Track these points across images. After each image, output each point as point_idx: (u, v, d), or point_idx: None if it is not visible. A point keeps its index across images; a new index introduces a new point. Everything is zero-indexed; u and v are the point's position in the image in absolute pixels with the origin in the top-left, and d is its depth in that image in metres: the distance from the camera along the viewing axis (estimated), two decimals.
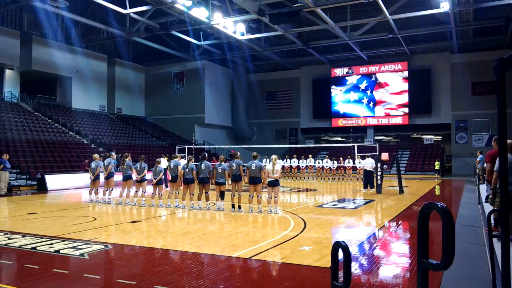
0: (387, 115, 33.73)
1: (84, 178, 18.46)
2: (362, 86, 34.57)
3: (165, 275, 5.09)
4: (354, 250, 6.52)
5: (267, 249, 6.42)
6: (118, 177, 16.41)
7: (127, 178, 12.46)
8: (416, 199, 14.16)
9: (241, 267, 5.59)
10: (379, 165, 16.12)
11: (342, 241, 2.54)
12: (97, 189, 13.00)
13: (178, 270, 5.30)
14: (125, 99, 35.02)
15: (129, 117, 34.67)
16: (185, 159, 18.15)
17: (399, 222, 9.60)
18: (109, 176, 12.75)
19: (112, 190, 12.83)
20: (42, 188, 17.89)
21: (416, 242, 2.16)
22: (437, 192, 18.45)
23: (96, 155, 13.40)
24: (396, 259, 6.06)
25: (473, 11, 24.84)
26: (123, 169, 12.56)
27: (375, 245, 7.03)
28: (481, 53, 30.38)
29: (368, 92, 34.35)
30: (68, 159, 21.62)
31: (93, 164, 12.94)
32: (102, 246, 6.66)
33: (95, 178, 12.88)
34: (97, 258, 5.99)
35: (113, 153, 14.06)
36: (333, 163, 23.65)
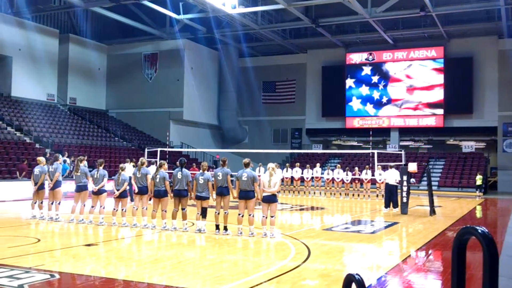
0: (417, 114, 33.92)
1: (26, 187, 18.32)
2: (386, 76, 34.75)
3: None
4: (371, 285, 6.54)
5: (260, 283, 6.41)
6: (69, 187, 16.31)
7: (81, 188, 12.40)
8: (451, 222, 14.24)
9: None
10: (405, 178, 16.17)
11: (356, 274, 2.56)
12: (41, 202, 12.92)
13: None
14: (81, 87, 34.87)
15: (86, 110, 34.53)
16: (155, 165, 18.11)
17: (429, 252, 9.64)
18: (55, 185, 12.66)
19: (59, 203, 12.75)
20: None
21: (450, 278, 2.18)
22: (478, 214, 18.54)
23: (41, 158, 13.31)
24: None
25: None
26: (76, 176, 12.50)
27: (398, 280, 7.05)
28: None
29: (393, 84, 34.52)
30: (5, 163, 21.47)
31: (36, 170, 12.84)
32: (47, 276, 6.61)
33: (39, 188, 12.78)
34: None
35: (61, 156, 14.00)
36: (347, 174, 23.72)
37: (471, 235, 2.00)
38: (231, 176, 10.93)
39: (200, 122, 36.66)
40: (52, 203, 12.72)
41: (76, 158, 13.51)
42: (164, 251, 8.87)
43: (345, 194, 23.98)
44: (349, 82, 35.69)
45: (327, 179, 24.17)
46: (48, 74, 31.91)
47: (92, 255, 8.43)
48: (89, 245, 9.39)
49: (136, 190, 11.85)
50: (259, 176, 11.59)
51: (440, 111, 33.32)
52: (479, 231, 1.96)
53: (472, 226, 2.00)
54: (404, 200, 16.12)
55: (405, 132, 35.02)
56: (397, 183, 16.70)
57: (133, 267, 7.47)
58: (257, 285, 6.34)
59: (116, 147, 30.61)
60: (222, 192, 10.66)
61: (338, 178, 23.81)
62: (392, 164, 17.95)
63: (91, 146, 28.62)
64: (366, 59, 35.32)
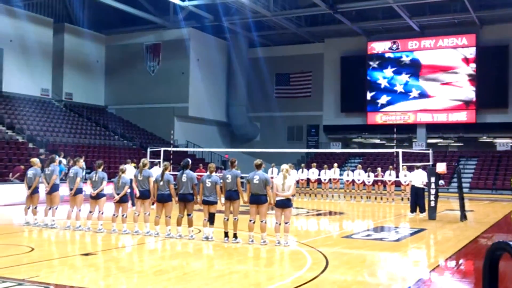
0: (446, 109, 33.69)
1: (18, 191, 18.48)
2: (411, 67, 34.54)
3: None
4: None
5: None
6: (66, 190, 16.41)
7: (77, 192, 12.47)
8: (484, 228, 14.14)
9: None
10: (432, 179, 16.08)
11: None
12: (35, 207, 13.01)
13: None
14: (78, 81, 35.07)
15: (83, 106, 34.75)
16: (159, 166, 18.17)
17: (460, 262, 9.58)
18: (52, 189, 12.73)
19: (56, 208, 12.83)
20: None
21: None
22: None
23: (34, 160, 13.39)
24: None
25: None
26: (70, 179, 12.56)
27: None
28: None
29: (420, 76, 34.31)
30: None
31: (30, 173, 12.92)
32: None
33: (33, 192, 12.85)
34: None
35: (58, 157, 14.09)
36: (368, 175, 23.64)
37: (504, 251, 1.99)
38: (242, 178, 10.92)
39: (207, 119, 36.68)
40: (49, 208, 12.76)
41: (73, 159, 13.56)
42: (168, 261, 8.89)
43: (367, 197, 23.88)
44: (371, 74, 35.51)
45: (347, 181, 24.09)
46: (42, 67, 32.13)
47: (90, 265, 8.45)
48: (87, 254, 9.41)
49: (138, 194, 11.84)
50: (272, 178, 11.58)
51: (472, 105, 33.06)
52: None
53: (505, 242, 1.98)
54: (432, 204, 16.02)
55: (433, 128, 34.77)
56: (424, 185, 16.61)
57: (135, 278, 7.50)
58: None
59: (116, 146, 30.73)
60: (232, 196, 10.64)
61: (359, 180, 23.72)
62: (418, 164, 17.86)
63: (89, 145, 28.77)
64: (389, 48, 35.12)
